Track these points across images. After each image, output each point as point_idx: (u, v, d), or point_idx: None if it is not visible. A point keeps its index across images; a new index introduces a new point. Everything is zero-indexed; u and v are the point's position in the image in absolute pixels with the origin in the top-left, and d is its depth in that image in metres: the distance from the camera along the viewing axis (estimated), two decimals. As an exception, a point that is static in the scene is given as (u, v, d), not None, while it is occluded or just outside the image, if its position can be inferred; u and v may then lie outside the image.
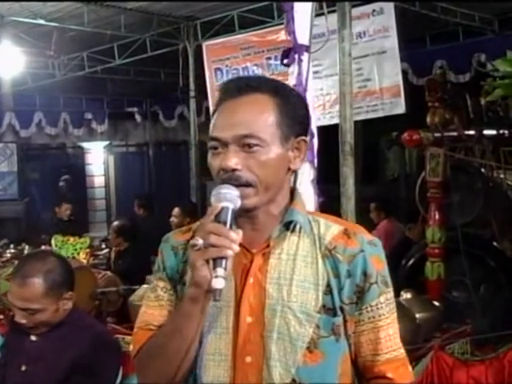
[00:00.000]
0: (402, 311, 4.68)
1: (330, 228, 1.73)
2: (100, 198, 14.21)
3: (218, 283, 1.51)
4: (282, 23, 7.71)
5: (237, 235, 1.55)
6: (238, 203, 1.60)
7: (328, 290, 1.67)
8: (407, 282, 5.79)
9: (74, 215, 9.95)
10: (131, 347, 1.78)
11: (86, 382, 2.83)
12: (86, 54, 9.89)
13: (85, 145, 13.82)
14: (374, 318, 1.70)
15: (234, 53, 7.89)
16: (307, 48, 3.80)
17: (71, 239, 8.13)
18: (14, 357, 2.94)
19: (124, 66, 10.35)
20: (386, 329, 1.71)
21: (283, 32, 7.38)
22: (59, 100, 12.29)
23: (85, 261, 7.66)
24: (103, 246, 9.15)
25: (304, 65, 3.79)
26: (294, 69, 3.82)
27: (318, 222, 1.74)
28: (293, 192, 1.77)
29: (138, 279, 5.89)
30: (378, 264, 1.71)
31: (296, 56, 3.79)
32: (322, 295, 1.66)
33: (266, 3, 7.89)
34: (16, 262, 7.14)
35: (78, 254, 7.95)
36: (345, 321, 1.68)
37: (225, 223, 1.55)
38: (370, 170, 11.88)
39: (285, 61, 3.87)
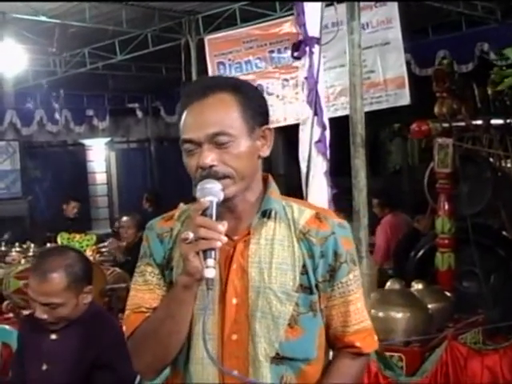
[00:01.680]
0: (415, 301, 4.70)
1: (303, 213, 1.89)
2: (102, 195, 14.15)
3: (209, 273, 1.66)
4: (284, 16, 7.75)
5: (223, 227, 1.69)
6: (222, 196, 1.75)
7: (304, 271, 1.83)
8: (417, 273, 5.80)
9: (80, 213, 9.97)
10: (124, 329, 1.92)
11: (108, 378, 2.84)
12: (88, 50, 9.85)
13: (86, 142, 13.79)
14: (344, 293, 1.88)
15: (236, 46, 7.85)
16: (318, 40, 3.81)
17: (77, 236, 8.13)
18: (34, 356, 2.95)
19: (125, 62, 10.28)
20: (355, 303, 1.90)
21: (286, 25, 7.47)
22: (60, 97, 12.24)
23: (91, 258, 7.66)
24: (107, 242, 9.11)
25: (315, 57, 3.80)
26: (305, 61, 3.83)
27: (292, 208, 1.90)
28: (266, 180, 1.92)
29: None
30: (348, 245, 1.89)
31: (307, 48, 3.80)
32: (299, 275, 1.83)
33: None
34: (22, 260, 7.17)
35: (85, 251, 7.94)
36: (318, 297, 1.86)
37: (211, 216, 1.70)
38: (371, 162, 11.85)
39: (295, 53, 3.87)
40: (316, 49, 3.79)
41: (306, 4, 3.85)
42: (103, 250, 8.56)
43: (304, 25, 3.83)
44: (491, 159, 6.09)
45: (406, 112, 7.06)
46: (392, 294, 4.77)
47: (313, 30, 3.81)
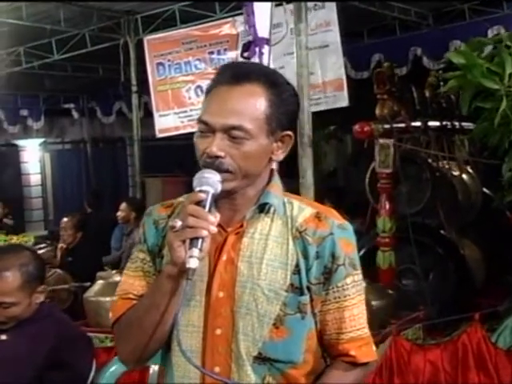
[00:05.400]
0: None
1: (303, 211, 1.81)
2: (36, 196, 13.88)
3: (192, 263, 1.60)
4: (224, 17, 7.76)
5: (215, 218, 1.64)
6: (219, 188, 1.68)
7: (296, 270, 1.75)
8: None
9: (9, 213, 9.75)
10: (110, 314, 1.86)
11: (61, 378, 2.81)
12: (23, 49, 9.64)
13: (20, 142, 13.52)
14: (339, 298, 1.78)
15: (175, 47, 7.84)
16: (267, 41, 3.85)
17: (14, 238, 7.99)
18: (-17, 357, 2.89)
19: (61, 62, 10.10)
20: (351, 309, 1.79)
21: (226, 26, 7.50)
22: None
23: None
24: (43, 244, 8.97)
25: (265, 58, 3.84)
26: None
27: (292, 205, 1.81)
28: (271, 174, 1.84)
29: (88, 276, 5.85)
30: (347, 247, 1.79)
31: (257, 49, 3.83)
32: (290, 275, 1.75)
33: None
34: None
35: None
36: (311, 299, 1.77)
37: (204, 206, 1.64)
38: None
39: (245, 54, 3.90)
40: (265, 49, 3.83)
41: (255, 5, 3.88)
42: (39, 251, 8.43)
43: (254, 26, 3.86)
44: (429, 160, 6.24)
45: (341, 114, 7.17)
46: (336, 291, 4.83)
47: (262, 30, 3.85)
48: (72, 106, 13.41)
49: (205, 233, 1.61)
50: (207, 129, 1.71)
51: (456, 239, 6.19)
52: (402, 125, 5.68)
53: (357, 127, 5.31)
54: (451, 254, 6.03)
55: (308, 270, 1.75)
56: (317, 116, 7.34)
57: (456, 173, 6.62)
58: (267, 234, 1.77)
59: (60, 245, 7.29)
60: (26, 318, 2.87)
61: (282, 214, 1.80)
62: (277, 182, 1.84)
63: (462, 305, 5.58)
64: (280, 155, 1.79)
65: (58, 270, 6.31)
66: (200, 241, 1.61)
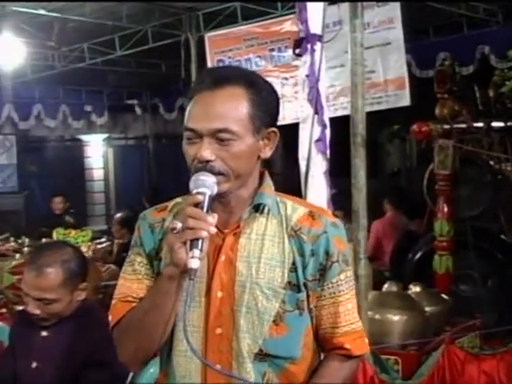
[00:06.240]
0: (412, 304, 4.67)
1: (297, 210, 1.88)
2: (99, 191, 14.13)
3: (194, 263, 1.65)
4: (285, 14, 7.71)
5: (213, 219, 1.69)
6: (215, 189, 1.74)
7: (293, 268, 1.82)
8: (414, 275, 5.77)
9: (70, 208, 9.90)
10: (110, 318, 1.92)
11: (99, 377, 2.78)
12: (87, 45, 9.80)
13: (84, 137, 13.74)
14: (334, 293, 1.86)
15: (236, 44, 7.82)
16: (320, 37, 3.77)
17: (73, 232, 8.08)
18: (23, 353, 2.88)
19: (124, 58, 10.29)
20: (345, 304, 1.88)
21: (287, 23, 7.43)
22: (59, 92, 12.19)
23: (87, 254, 7.60)
24: (104, 239, 9.07)
25: (317, 55, 3.76)
26: (306, 59, 3.79)
27: (286, 204, 1.89)
28: (262, 175, 1.91)
29: (141, 272, 5.84)
30: (340, 244, 1.87)
31: (308, 46, 3.75)
32: (287, 272, 1.82)
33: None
34: (17, 255, 7.12)
35: (79, 247, 7.88)
36: (307, 295, 1.84)
37: (202, 208, 1.70)
38: (370, 163, 11.77)
39: (297, 50, 3.83)
40: (318, 46, 3.75)
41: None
42: (99, 246, 8.53)
43: (306, 22, 3.78)
44: (491, 162, 6.05)
45: (406, 113, 7.04)
46: (389, 296, 4.74)
47: (315, 27, 3.77)
48: (135, 101, 13.58)
49: (204, 233, 1.66)
50: (194, 135, 1.76)
51: (517, 244, 5.99)
52: (463, 125, 5.53)
53: (415, 127, 5.21)
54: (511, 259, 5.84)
55: (304, 268, 1.82)
56: (380, 115, 7.23)
57: (520, 175, 6.41)
58: (263, 233, 1.84)
59: (117, 240, 7.35)
60: (67, 315, 2.85)
61: (276, 213, 1.86)
62: (269, 183, 1.91)
63: (522, 313, 5.39)
64: (268, 152, 1.85)
65: (112, 266, 6.36)
66: (200, 241, 1.66)
